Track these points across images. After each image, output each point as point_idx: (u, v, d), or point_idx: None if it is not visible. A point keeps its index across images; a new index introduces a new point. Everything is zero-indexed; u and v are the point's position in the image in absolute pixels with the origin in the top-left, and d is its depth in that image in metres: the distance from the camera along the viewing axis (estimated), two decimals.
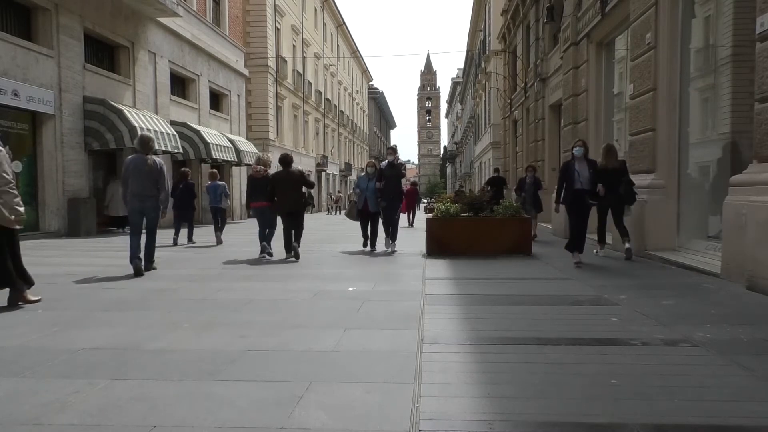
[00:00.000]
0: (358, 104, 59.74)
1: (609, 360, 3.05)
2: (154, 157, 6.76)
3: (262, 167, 8.79)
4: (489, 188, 11.43)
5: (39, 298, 4.77)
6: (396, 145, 11.13)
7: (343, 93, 50.50)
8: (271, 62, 27.93)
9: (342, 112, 49.22)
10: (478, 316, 4.22)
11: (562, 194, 7.42)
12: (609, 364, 2.98)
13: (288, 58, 31.31)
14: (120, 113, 13.73)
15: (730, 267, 5.57)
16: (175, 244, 10.82)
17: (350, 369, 2.94)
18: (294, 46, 32.79)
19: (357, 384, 2.70)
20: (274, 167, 9.14)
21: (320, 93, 39.49)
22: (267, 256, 8.35)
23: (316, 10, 38.97)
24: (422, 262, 7.77)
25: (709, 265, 6.25)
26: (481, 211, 9.02)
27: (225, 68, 22.24)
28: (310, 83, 36.09)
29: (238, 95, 24.11)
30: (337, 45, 46.84)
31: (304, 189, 8.54)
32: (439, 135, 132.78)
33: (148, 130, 14.14)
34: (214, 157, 18.47)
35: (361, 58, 59.22)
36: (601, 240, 8.39)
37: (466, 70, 55.50)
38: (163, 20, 16.85)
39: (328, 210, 37.55)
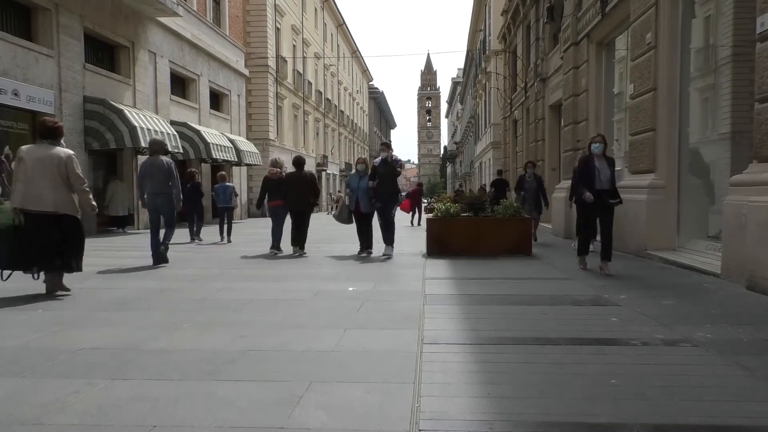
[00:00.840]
0: (358, 104, 59.75)
1: (609, 360, 3.05)
2: (163, 157, 7.42)
3: (277, 170, 9.39)
4: (491, 189, 11.48)
5: (68, 287, 5.23)
6: (390, 141, 9.87)
7: (343, 93, 50.51)
8: (271, 62, 27.94)
9: (342, 111, 49.23)
10: (478, 316, 4.22)
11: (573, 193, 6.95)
12: (609, 364, 2.98)
13: (288, 58, 31.31)
14: (120, 113, 13.72)
15: (730, 267, 5.58)
16: (192, 240, 11.65)
17: (350, 369, 2.94)
18: (294, 46, 32.80)
19: (357, 384, 2.70)
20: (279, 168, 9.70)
21: (320, 93, 39.50)
22: (277, 252, 9.03)
23: (316, 10, 38.98)
24: (422, 262, 7.77)
25: (709, 265, 6.25)
26: (481, 211, 9.03)
27: (225, 68, 22.24)
28: (310, 83, 36.09)
29: (239, 95, 24.11)
30: (337, 45, 46.85)
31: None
32: (439, 135, 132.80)
33: (149, 129, 14.15)
34: (214, 156, 18.48)
35: (361, 58, 59.24)
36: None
37: (466, 70, 55.48)
38: (164, 20, 16.85)
39: (329, 210, 37.55)
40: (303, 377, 2.78)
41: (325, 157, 40.11)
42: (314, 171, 36.38)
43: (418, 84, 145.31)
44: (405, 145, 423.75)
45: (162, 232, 7.61)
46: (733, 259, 5.51)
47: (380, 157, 8.77)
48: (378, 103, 78.03)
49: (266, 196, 9.33)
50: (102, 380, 2.76)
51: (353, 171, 9.29)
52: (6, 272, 5.02)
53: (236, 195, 12.50)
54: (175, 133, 15.90)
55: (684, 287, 5.40)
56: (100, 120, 13.63)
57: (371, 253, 8.71)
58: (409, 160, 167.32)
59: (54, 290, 5.10)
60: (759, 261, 4.98)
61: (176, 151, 15.61)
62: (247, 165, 22.98)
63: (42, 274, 5.09)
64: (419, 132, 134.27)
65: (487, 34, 31.75)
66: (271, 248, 9.17)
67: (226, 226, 11.87)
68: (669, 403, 2.42)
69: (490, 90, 30.51)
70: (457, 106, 75.71)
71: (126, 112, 13.88)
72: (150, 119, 14.85)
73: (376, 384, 2.70)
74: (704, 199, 7.61)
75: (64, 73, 12.82)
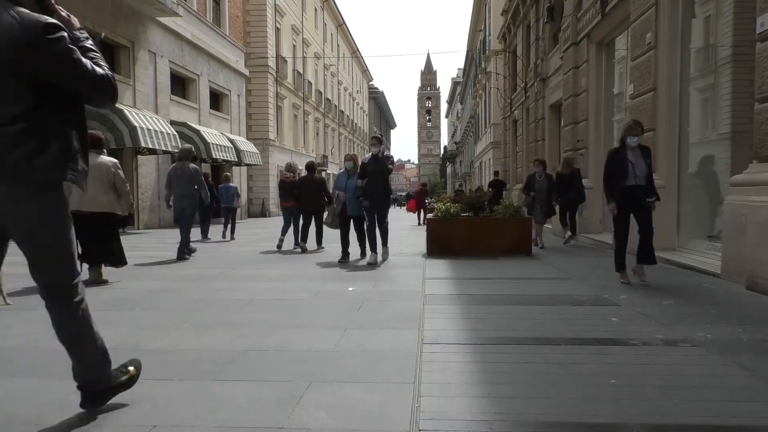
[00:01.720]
0: (358, 104, 59.74)
1: (609, 360, 3.05)
2: (190, 164, 8.42)
3: (291, 173, 10.35)
4: (489, 189, 11.54)
5: (106, 279, 5.98)
6: (381, 135, 8.84)
7: (343, 93, 50.50)
8: (271, 62, 27.93)
9: (342, 111, 49.22)
10: (478, 316, 4.22)
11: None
12: (609, 364, 2.97)
13: (288, 58, 31.30)
14: (120, 113, 13.72)
15: (730, 267, 5.57)
16: (206, 238, 12.25)
17: (350, 369, 2.94)
18: (294, 46, 32.79)
19: (357, 384, 2.70)
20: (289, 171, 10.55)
21: (320, 93, 39.49)
22: (301, 250, 9.63)
23: (316, 9, 38.97)
24: (422, 262, 7.77)
25: (709, 265, 6.25)
26: (481, 211, 9.03)
27: (225, 68, 22.24)
28: (310, 83, 36.09)
29: (239, 95, 24.12)
30: (337, 45, 46.84)
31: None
32: (439, 135, 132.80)
33: (149, 129, 14.15)
34: (214, 156, 18.48)
35: (361, 58, 59.24)
36: (566, 225, 9.77)
37: (466, 70, 55.49)
38: (163, 20, 16.86)
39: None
40: (303, 377, 2.78)
41: (325, 157, 40.11)
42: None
43: (418, 84, 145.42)
44: (405, 145, 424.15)
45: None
46: (733, 259, 5.50)
47: (370, 153, 7.89)
48: (378, 103, 78.05)
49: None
50: None
51: (341, 169, 8.69)
52: None
53: (238, 196, 13.21)
54: (175, 133, 15.90)
55: (684, 287, 5.39)
56: (100, 120, 13.62)
57: (369, 256, 7.85)
58: (409, 160, 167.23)
59: (97, 281, 5.84)
60: (759, 261, 4.98)
61: (176, 151, 15.59)
62: (247, 165, 22.97)
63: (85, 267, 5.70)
64: (419, 132, 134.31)
65: (487, 34, 31.75)
66: (287, 245, 10.04)
67: (230, 225, 12.67)
68: (669, 403, 2.42)
69: (490, 90, 30.52)
70: (457, 106, 75.72)
71: (126, 112, 13.88)
72: (150, 119, 14.85)
73: (376, 384, 2.70)
74: (704, 199, 7.61)
75: None
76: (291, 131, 32.53)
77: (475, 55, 41.71)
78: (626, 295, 4.95)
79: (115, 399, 2.44)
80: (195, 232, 11.11)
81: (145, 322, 4.06)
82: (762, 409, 2.37)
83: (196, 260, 8.32)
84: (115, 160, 6.01)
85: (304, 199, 9.56)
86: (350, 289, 5.56)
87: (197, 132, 18.00)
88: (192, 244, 8.76)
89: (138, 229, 15.44)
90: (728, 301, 4.72)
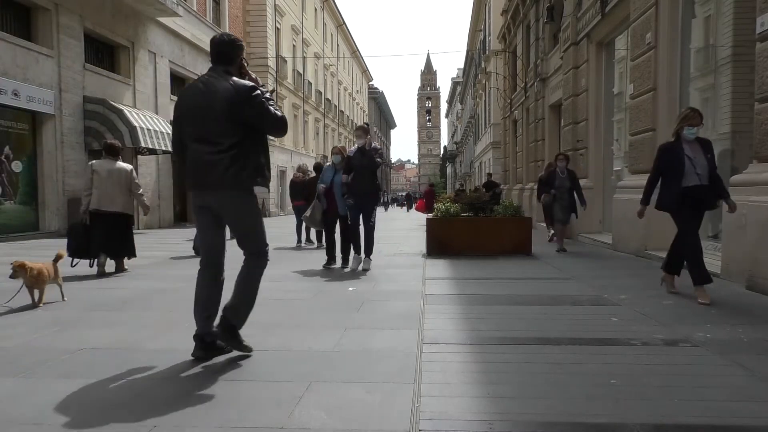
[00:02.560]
0: (358, 104, 59.71)
1: (609, 360, 3.05)
2: None
3: (301, 174, 11.28)
4: (483, 190, 11.68)
5: (127, 267, 6.78)
6: (368, 124, 7.65)
7: (343, 93, 50.49)
8: (271, 62, 27.93)
9: (342, 111, 49.20)
10: (478, 316, 4.22)
11: (656, 193, 5.09)
12: (609, 364, 2.98)
13: (288, 58, 31.30)
14: (120, 113, 13.73)
15: (730, 267, 5.58)
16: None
17: (350, 369, 2.94)
18: (294, 46, 32.79)
19: (357, 384, 2.70)
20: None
21: (320, 93, 39.48)
22: (301, 245, 10.38)
23: (316, 10, 38.96)
24: (422, 262, 7.77)
25: (709, 265, 6.20)
26: (481, 211, 9.03)
27: None
28: (310, 83, 36.08)
29: None
30: (337, 45, 46.83)
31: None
32: (439, 135, 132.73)
33: (149, 129, 14.15)
34: None
35: (361, 58, 59.22)
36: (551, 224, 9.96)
37: (466, 70, 55.48)
38: (163, 20, 16.85)
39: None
40: (303, 377, 2.78)
41: (324, 157, 40.08)
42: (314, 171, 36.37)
43: (418, 84, 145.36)
44: (405, 145, 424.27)
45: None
46: (733, 259, 5.51)
47: (356, 145, 7.07)
48: (378, 103, 78.03)
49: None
50: (102, 380, 2.76)
51: (328, 163, 7.86)
52: (75, 260, 6.35)
53: None
54: None
55: (684, 287, 5.39)
56: (100, 120, 13.64)
57: (367, 258, 7.14)
58: (409, 160, 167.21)
59: (119, 270, 6.67)
60: (759, 261, 4.98)
61: None
62: None
63: (95, 262, 6.44)
64: (419, 132, 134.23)
65: (487, 34, 31.75)
66: (297, 244, 10.77)
67: None
68: (669, 402, 2.42)
69: (490, 90, 30.51)
70: (457, 106, 75.71)
71: (126, 112, 13.88)
72: (150, 119, 14.86)
73: (376, 384, 2.70)
74: None
75: (64, 73, 12.82)
76: (291, 131, 32.51)
77: (475, 55, 41.70)
78: (626, 295, 4.95)
79: (116, 399, 2.44)
80: (195, 232, 11.16)
81: (145, 322, 4.05)
82: (762, 409, 2.37)
83: (196, 260, 8.31)
84: (131, 166, 6.71)
85: (312, 198, 9.69)
86: (350, 288, 5.56)
87: None
88: (190, 242, 8.78)
89: (138, 229, 15.43)
90: (728, 301, 4.72)
